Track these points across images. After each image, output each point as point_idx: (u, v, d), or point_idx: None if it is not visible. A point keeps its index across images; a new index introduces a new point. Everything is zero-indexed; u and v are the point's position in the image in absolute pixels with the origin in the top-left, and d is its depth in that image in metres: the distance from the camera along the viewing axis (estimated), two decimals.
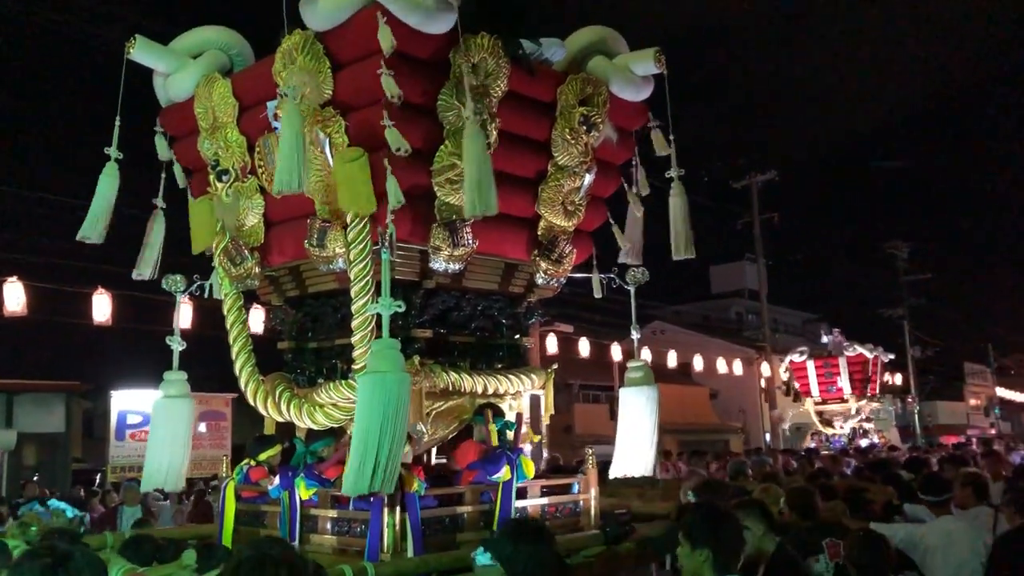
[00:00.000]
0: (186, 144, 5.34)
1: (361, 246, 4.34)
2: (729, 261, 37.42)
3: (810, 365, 18.85)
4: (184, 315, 11.79)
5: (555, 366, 5.52)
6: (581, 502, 5.13)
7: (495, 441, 4.68)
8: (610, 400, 20.87)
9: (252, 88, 4.84)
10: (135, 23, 16.06)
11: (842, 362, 18.44)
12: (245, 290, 5.22)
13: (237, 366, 5.06)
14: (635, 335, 5.60)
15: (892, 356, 22.44)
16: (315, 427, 4.78)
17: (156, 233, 5.34)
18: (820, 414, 18.69)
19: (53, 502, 7.21)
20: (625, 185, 5.65)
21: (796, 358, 19.33)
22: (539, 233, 5.11)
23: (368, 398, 3.76)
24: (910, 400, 22.18)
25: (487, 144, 4.32)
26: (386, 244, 4.06)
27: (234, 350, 5.10)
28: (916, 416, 25.65)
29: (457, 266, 4.70)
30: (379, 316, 4.07)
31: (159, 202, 5.37)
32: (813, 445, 17.62)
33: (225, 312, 5.18)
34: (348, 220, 4.38)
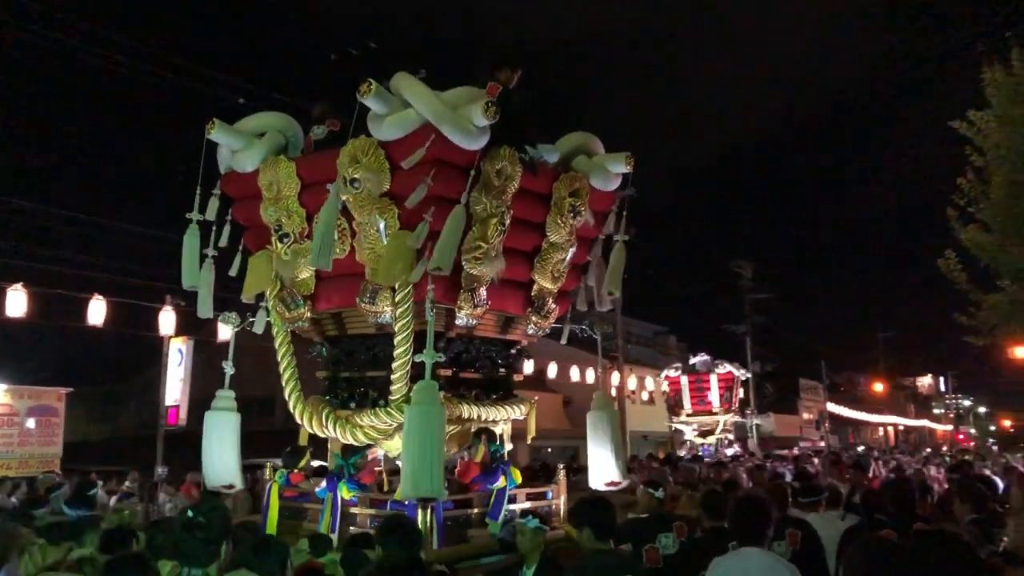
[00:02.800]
0: (245, 206, 6.51)
1: (405, 306, 5.65)
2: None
3: (684, 380, 20.40)
4: (18, 305, 12.16)
5: (536, 398, 6.92)
6: (554, 505, 6.55)
7: (487, 458, 6.06)
8: None
9: (312, 172, 6.06)
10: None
11: (712, 378, 20.14)
12: (293, 329, 6.42)
13: (287, 391, 6.27)
14: (599, 371, 7.08)
15: (749, 375, 24.18)
16: (354, 443, 6.03)
17: (207, 278, 6.45)
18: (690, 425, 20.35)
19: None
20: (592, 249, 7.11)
21: (671, 373, 20.85)
22: (532, 294, 6.49)
23: (419, 426, 5.07)
24: (749, 413, 23.86)
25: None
26: (430, 307, 5.38)
27: (284, 377, 6.31)
28: (754, 428, 27.32)
29: (473, 320, 6.05)
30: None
31: (210, 251, 6.49)
32: (684, 453, 19.18)
33: (276, 346, 6.38)
34: (396, 285, 5.67)
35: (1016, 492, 6.92)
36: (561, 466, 6.79)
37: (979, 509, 4.78)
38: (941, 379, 57.66)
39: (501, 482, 6.05)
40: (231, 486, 6.08)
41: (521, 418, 6.72)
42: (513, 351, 6.76)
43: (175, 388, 18.25)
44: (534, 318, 6.54)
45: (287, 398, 6.27)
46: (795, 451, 23.81)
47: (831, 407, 40.92)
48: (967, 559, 2.35)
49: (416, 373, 5.77)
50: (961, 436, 49.66)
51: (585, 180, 6.54)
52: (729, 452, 19.22)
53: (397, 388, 5.73)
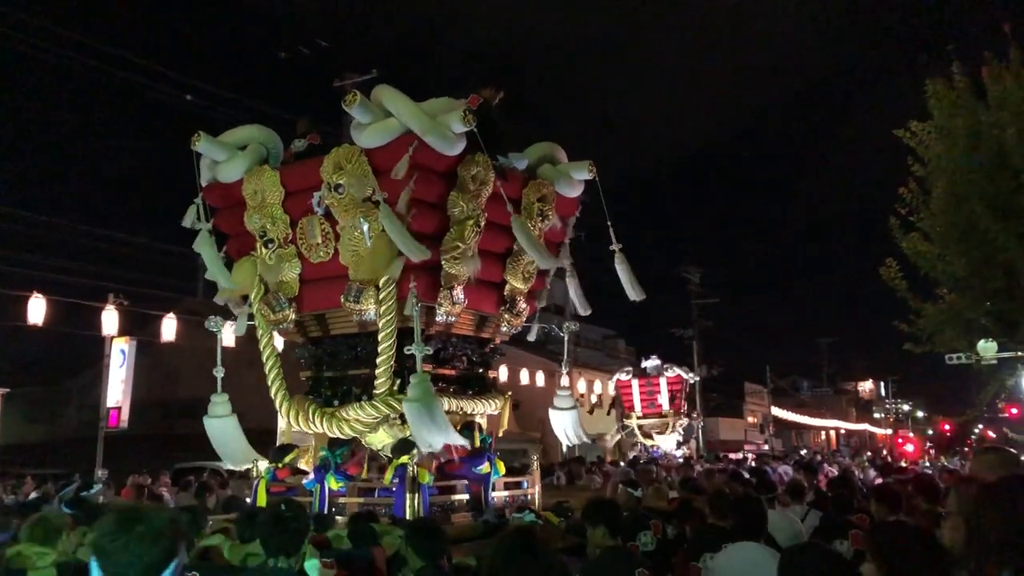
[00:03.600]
0: (227, 214, 6.79)
1: (389, 303, 6.00)
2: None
3: (634, 384, 20.81)
4: None
5: (510, 393, 7.30)
6: (528, 494, 6.93)
7: (477, 444, 6.43)
8: None
9: (296, 180, 6.39)
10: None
11: (662, 382, 20.62)
12: (277, 331, 6.70)
13: (272, 390, 6.54)
14: (564, 370, 7.51)
15: (698, 378, 24.71)
16: (341, 437, 6.32)
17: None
18: (641, 428, 20.91)
19: None
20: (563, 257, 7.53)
21: (622, 377, 21.40)
22: (505, 294, 6.89)
23: (419, 416, 5.44)
24: (695, 416, 24.48)
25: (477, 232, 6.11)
26: (416, 304, 5.75)
27: (269, 377, 6.58)
28: (700, 431, 27.89)
29: (452, 318, 6.42)
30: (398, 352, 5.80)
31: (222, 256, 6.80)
32: (634, 455, 19.65)
33: (261, 348, 6.65)
34: (379, 284, 6.02)
35: (953, 494, 7.33)
36: (535, 457, 7.16)
37: (895, 509, 5.08)
38: (882, 384, 59.30)
39: (486, 467, 6.41)
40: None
41: (496, 412, 7.09)
42: (488, 349, 7.13)
43: (117, 389, 18.01)
44: (507, 316, 6.94)
45: (273, 396, 6.54)
46: (740, 455, 24.52)
47: (775, 411, 41.85)
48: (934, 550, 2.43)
49: (399, 368, 6.14)
50: (900, 440, 51.18)
51: (551, 187, 6.97)
52: (678, 453, 19.77)
53: (381, 382, 6.06)
